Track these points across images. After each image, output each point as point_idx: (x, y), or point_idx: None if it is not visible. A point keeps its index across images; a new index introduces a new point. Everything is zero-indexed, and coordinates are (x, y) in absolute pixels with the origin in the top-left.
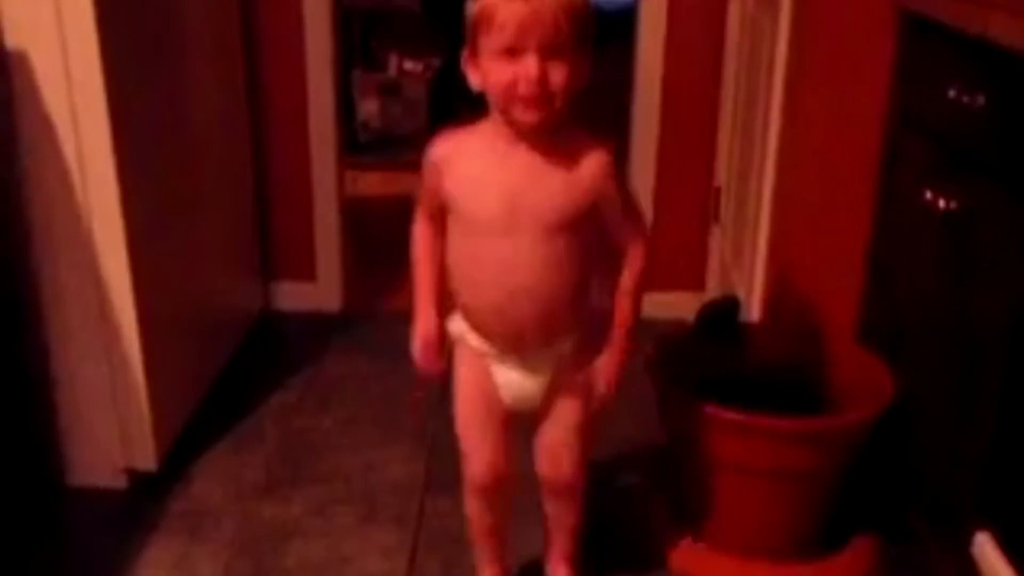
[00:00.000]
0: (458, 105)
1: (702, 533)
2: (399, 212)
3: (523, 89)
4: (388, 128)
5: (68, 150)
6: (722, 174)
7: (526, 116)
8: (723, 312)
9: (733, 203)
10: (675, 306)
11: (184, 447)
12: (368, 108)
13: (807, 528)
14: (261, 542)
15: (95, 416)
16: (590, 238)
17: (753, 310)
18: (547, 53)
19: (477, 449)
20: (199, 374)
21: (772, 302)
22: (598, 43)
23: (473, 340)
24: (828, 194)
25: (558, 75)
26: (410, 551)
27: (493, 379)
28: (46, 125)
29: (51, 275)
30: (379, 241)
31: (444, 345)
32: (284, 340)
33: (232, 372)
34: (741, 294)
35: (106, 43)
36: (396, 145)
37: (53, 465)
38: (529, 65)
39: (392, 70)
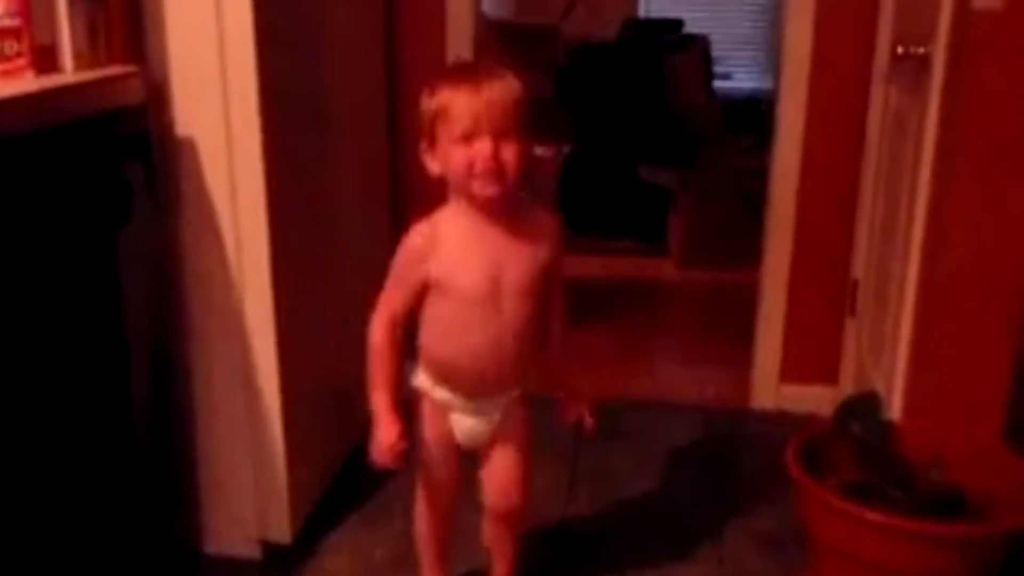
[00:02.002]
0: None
1: None
2: None
3: (480, 166)
4: None
5: (226, 230)
6: (860, 266)
7: (485, 190)
8: (864, 409)
9: (872, 296)
10: (807, 399)
11: (316, 521)
12: None
13: None
14: None
15: (235, 488)
16: (545, 296)
17: (894, 407)
18: (498, 135)
19: (439, 481)
20: (333, 450)
21: (914, 400)
22: (731, 132)
23: (439, 393)
24: (977, 289)
25: (509, 153)
26: None
27: (450, 424)
28: (207, 206)
29: (201, 348)
30: None
31: (405, 445)
32: (416, 416)
33: (363, 450)
34: (880, 389)
35: (268, 129)
36: None
37: (192, 533)
38: (484, 146)
39: None
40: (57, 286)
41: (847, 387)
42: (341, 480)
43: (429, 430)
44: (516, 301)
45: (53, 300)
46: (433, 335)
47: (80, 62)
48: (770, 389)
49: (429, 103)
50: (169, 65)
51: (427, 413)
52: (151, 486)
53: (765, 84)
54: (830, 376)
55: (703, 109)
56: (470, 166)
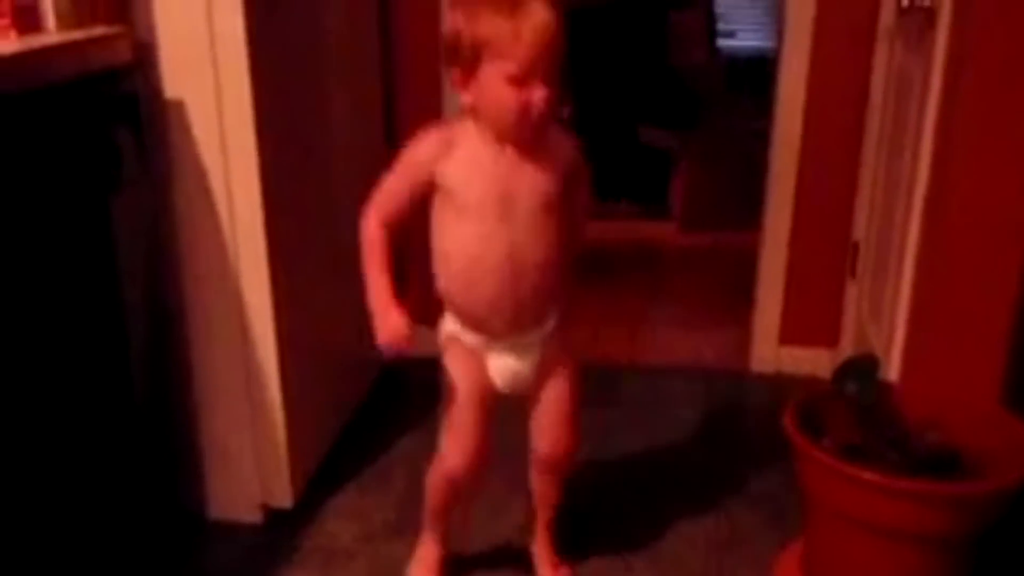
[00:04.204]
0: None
1: None
2: None
3: (534, 115)
4: None
5: (219, 195)
6: (861, 228)
7: (529, 135)
8: (862, 370)
9: (872, 258)
10: (807, 362)
11: (317, 486)
12: None
13: None
14: None
15: (236, 454)
16: (564, 215)
17: (892, 369)
18: (549, 78)
19: (465, 442)
20: (332, 417)
21: (912, 361)
22: (734, 92)
23: (468, 337)
24: (977, 252)
25: (553, 95)
26: None
27: (487, 370)
28: (199, 169)
29: (198, 316)
30: None
31: (409, 329)
32: (412, 385)
33: (362, 416)
34: (879, 352)
35: (258, 89)
36: None
37: (196, 498)
38: (539, 95)
39: None
40: (49, 254)
41: (847, 349)
42: (342, 443)
43: (462, 374)
44: (532, 220)
45: (45, 268)
46: (448, 259)
47: (63, 22)
48: (770, 352)
49: (466, 28)
50: (155, 25)
51: (459, 357)
52: (152, 451)
53: (770, 43)
54: (830, 339)
55: (706, 68)
56: (522, 112)
